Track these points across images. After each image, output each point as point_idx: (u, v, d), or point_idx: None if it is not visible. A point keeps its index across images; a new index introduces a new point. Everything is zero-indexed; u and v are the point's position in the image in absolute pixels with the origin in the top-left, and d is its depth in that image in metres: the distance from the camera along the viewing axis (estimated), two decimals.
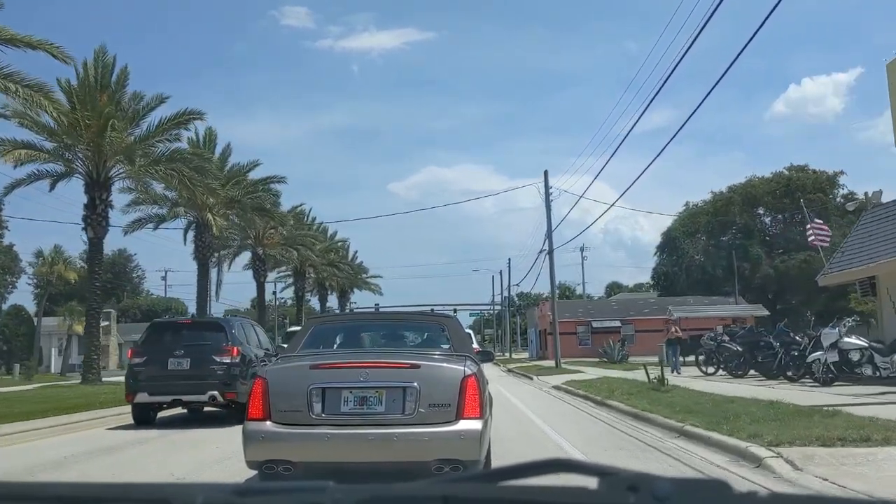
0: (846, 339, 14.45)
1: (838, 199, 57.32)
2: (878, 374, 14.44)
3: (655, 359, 32.28)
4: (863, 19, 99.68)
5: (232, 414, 12.18)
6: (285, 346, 20.62)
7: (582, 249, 75.82)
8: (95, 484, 1.05)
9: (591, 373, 25.21)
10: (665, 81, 15.95)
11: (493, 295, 72.58)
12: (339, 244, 52.60)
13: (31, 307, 52.53)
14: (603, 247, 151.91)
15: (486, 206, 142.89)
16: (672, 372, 21.13)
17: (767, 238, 58.78)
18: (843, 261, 17.97)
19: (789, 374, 16.06)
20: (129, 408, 12.16)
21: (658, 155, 39.53)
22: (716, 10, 11.89)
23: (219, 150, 28.10)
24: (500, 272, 68.20)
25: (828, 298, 53.95)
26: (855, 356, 14.44)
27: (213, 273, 42.97)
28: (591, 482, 0.93)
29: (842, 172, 57.36)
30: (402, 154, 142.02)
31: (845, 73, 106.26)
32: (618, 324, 48.00)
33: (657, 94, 16.70)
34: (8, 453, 9.43)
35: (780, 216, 59.17)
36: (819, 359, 14.60)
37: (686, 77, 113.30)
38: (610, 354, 34.07)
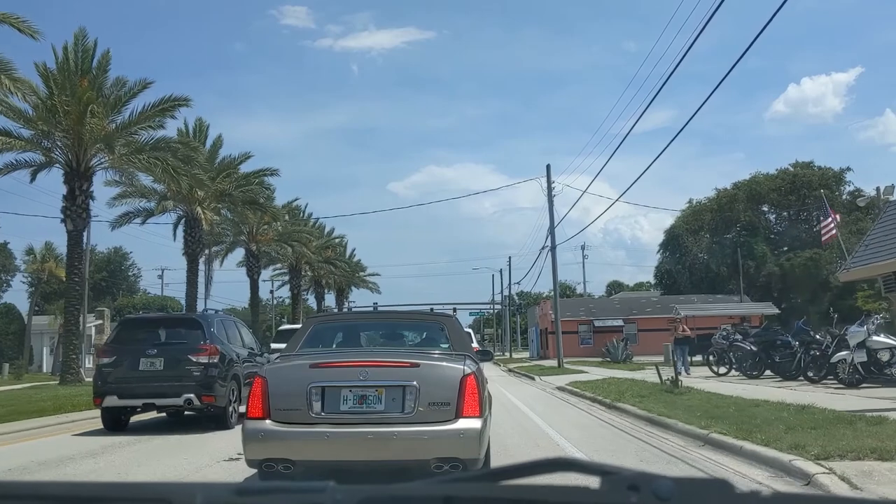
0: (875, 338, 13.44)
1: (844, 196, 56.37)
2: None
3: (660, 358, 31.66)
4: (863, 19, 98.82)
5: (211, 418, 11.22)
6: (277, 344, 19.80)
7: (583, 248, 74.91)
8: (94, 483, 1.07)
9: (596, 373, 24.20)
10: (665, 82, 16.12)
11: (493, 294, 71.75)
12: (337, 241, 51.50)
13: (25, 306, 51.59)
14: (602, 246, 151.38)
15: (485, 207, 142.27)
16: (680, 373, 20.08)
17: (772, 236, 57.80)
18: (866, 255, 16.97)
19: (810, 374, 15.05)
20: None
21: (660, 153, 39.14)
22: (716, 11, 11.78)
23: (211, 143, 27.16)
24: (501, 271, 67.44)
25: (834, 297, 53.17)
26: (885, 356, 13.43)
27: (210, 270, 42.11)
28: (593, 481, 0.93)
29: (848, 169, 56.36)
30: (402, 153, 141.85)
31: (845, 73, 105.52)
32: (620, 323, 47.09)
33: (657, 94, 16.49)
34: None
35: (785, 213, 58.22)
36: (845, 359, 13.60)
37: (686, 77, 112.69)
38: (613, 354, 33.03)
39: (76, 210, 18.25)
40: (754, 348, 18.18)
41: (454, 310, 56.40)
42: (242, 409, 12.30)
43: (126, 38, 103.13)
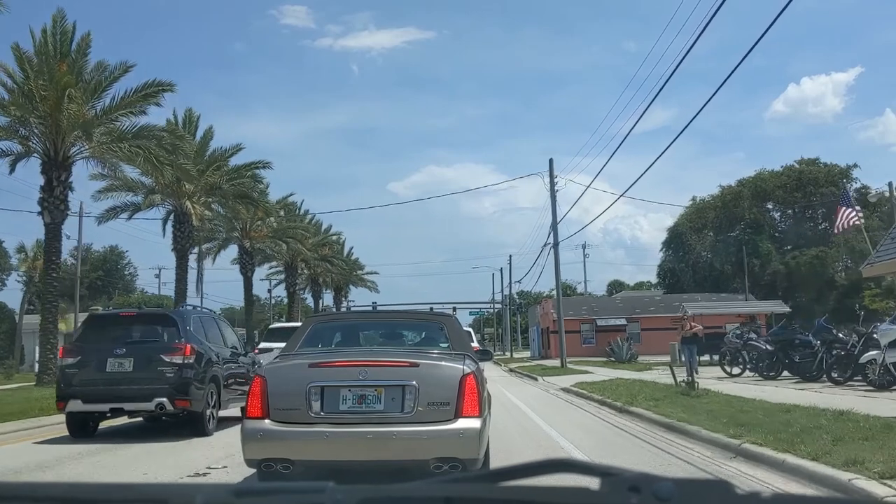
0: None
1: (851, 194, 55.38)
2: None
3: (665, 358, 30.73)
4: (863, 19, 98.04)
5: (186, 424, 10.24)
6: (267, 343, 18.82)
7: (584, 247, 73.79)
8: (93, 484, 1.09)
9: (601, 373, 23.22)
10: (667, 81, 16.35)
11: (494, 293, 70.80)
12: (334, 238, 50.44)
13: (19, 305, 50.65)
14: (602, 246, 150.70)
15: (485, 206, 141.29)
16: (689, 374, 19.06)
17: (776, 234, 56.81)
18: (892, 249, 15.99)
19: (834, 375, 14.05)
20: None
21: (665, 150, 38.36)
22: (717, 12, 11.63)
23: (202, 134, 26.12)
24: (501, 269, 66.47)
25: (840, 295, 52.18)
26: None
27: (203, 267, 41.10)
28: (594, 482, 0.93)
29: (855, 165, 55.37)
30: (402, 153, 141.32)
31: (845, 73, 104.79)
32: (623, 322, 46.13)
33: (658, 94, 16.11)
34: None
35: (790, 211, 57.25)
36: (875, 359, 12.62)
37: (685, 76, 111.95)
38: (618, 354, 32.01)
39: (54, 202, 17.23)
40: (769, 347, 17.21)
41: (454, 309, 55.41)
42: (223, 413, 11.40)
43: (126, 38, 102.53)
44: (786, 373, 16.70)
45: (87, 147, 17.90)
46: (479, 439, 5.34)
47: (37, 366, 44.73)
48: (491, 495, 0.97)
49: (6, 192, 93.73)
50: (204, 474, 7.11)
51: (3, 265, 60.57)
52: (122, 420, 11.33)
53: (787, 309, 32.39)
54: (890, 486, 5.12)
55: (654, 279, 79.83)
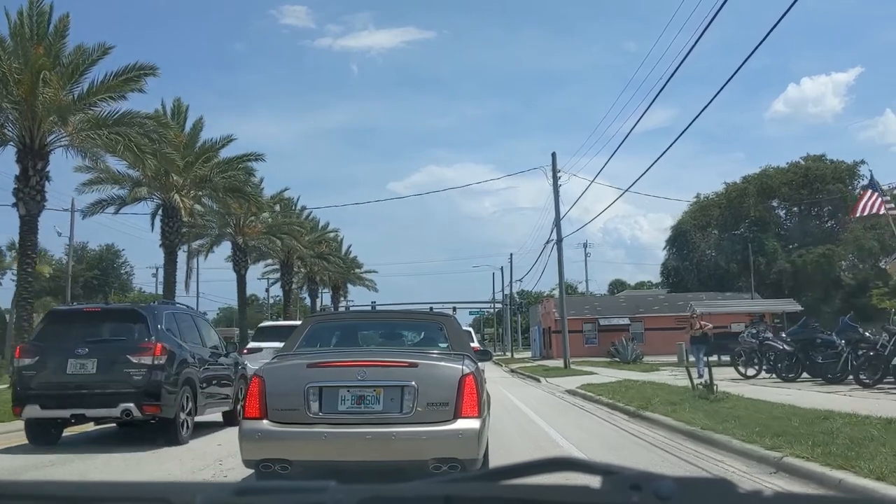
0: None
1: (857, 191, 54.38)
2: None
3: (670, 358, 29.82)
4: (863, 19, 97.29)
5: (159, 430, 9.27)
6: (256, 343, 17.82)
7: (585, 246, 72.75)
8: (95, 483, 1.09)
9: (607, 374, 22.23)
10: (667, 83, 15.57)
11: (494, 293, 69.83)
12: (331, 235, 49.36)
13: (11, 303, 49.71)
14: (602, 246, 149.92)
15: (485, 206, 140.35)
16: (700, 375, 18.09)
17: (781, 231, 55.83)
18: None
19: (862, 377, 13.06)
20: None
21: (667, 150, 37.45)
22: (718, 12, 11.59)
23: (191, 125, 25.12)
24: (502, 268, 65.50)
25: (847, 294, 51.21)
26: None
27: (194, 264, 40.08)
28: (594, 481, 0.93)
29: (862, 162, 54.23)
30: (402, 153, 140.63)
31: (845, 73, 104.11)
32: (626, 321, 45.19)
33: (658, 94, 15.82)
34: None
35: (795, 209, 56.25)
36: None
37: (685, 76, 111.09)
38: (623, 354, 30.99)
39: (30, 192, 16.22)
40: (787, 347, 16.24)
41: (454, 309, 54.47)
42: (200, 418, 10.44)
43: (126, 38, 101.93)
44: (805, 374, 15.73)
45: (64, 134, 16.88)
46: (479, 440, 5.29)
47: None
48: (491, 494, 0.98)
49: None
50: None
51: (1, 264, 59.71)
52: (93, 426, 10.39)
53: (798, 307, 31.37)
54: None
55: (654, 279, 79.00)
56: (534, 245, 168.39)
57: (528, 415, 12.45)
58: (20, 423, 10.48)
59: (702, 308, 28.00)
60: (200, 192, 25.05)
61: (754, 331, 18.28)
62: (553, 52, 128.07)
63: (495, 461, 5.76)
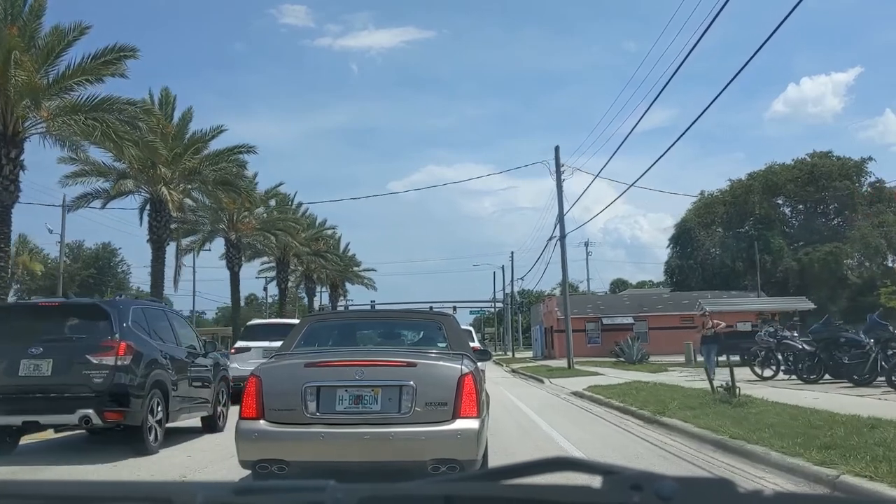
0: None
1: (865, 188, 53.46)
2: None
3: (678, 358, 28.86)
4: (862, 19, 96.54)
5: (124, 439, 8.32)
6: (244, 342, 16.84)
7: (586, 244, 71.76)
8: (96, 482, 1.16)
9: (613, 375, 21.28)
10: (667, 83, 15.39)
11: (495, 291, 68.89)
12: (329, 232, 48.37)
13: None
14: (602, 245, 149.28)
15: (485, 206, 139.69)
16: (711, 376, 17.12)
17: (786, 229, 54.85)
18: None
19: (895, 379, 12.11)
20: None
21: (669, 149, 36.68)
22: (719, 13, 11.62)
23: (180, 115, 24.13)
24: (503, 267, 64.56)
25: (853, 293, 50.25)
26: None
27: (189, 261, 39.09)
28: (595, 481, 0.93)
29: (870, 158, 53.33)
30: (402, 153, 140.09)
31: (844, 73, 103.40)
32: (630, 320, 44.19)
33: (659, 95, 15.75)
34: None
35: (801, 206, 55.27)
36: None
37: (684, 76, 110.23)
38: (628, 354, 29.98)
39: (3, 182, 15.21)
40: (807, 347, 15.29)
41: (454, 308, 53.58)
42: (174, 424, 9.48)
43: (126, 39, 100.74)
44: (827, 376, 14.77)
45: (40, 120, 15.87)
46: (478, 440, 5.24)
47: None
48: (492, 494, 0.98)
49: None
50: None
51: None
52: (54, 434, 9.43)
53: (811, 305, 30.39)
54: None
55: (655, 279, 78.13)
56: (534, 245, 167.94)
57: (533, 419, 11.51)
58: None
59: (710, 307, 27.07)
60: (190, 186, 24.06)
61: (771, 329, 17.30)
62: (553, 52, 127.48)
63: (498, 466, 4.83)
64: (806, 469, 5.95)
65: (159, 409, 8.60)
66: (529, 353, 55.21)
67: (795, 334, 16.82)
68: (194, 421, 10.40)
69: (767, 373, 16.65)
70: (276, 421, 5.27)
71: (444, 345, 6.26)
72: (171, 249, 28.17)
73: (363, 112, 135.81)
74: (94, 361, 7.86)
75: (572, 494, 0.93)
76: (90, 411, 7.76)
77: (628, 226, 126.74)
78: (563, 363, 28.65)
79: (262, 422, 5.27)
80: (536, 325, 54.28)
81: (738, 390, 10.88)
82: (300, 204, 41.06)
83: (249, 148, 24.62)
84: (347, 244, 56.42)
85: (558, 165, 28.71)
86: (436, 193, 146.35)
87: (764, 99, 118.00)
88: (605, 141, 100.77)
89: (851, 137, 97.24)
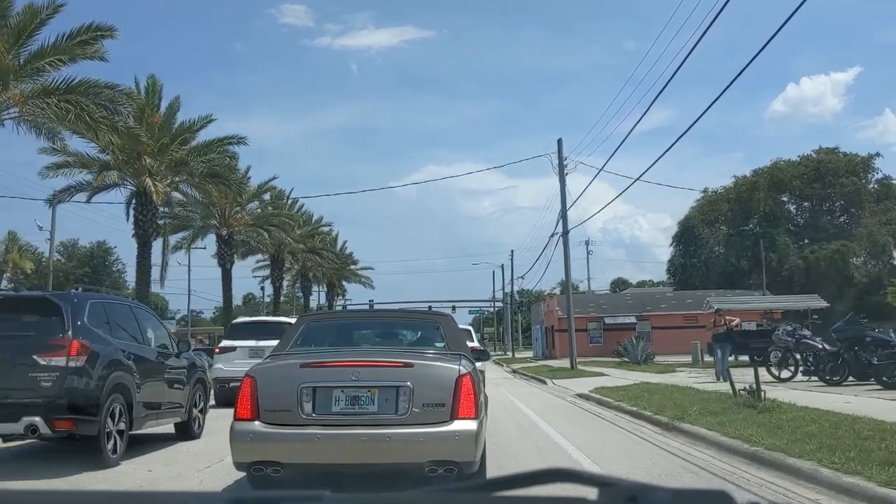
0: None
1: (872, 185, 52.52)
2: None
3: (684, 358, 27.95)
4: (862, 19, 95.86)
5: (83, 449, 7.38)
6: (228, 341, 15.86)
7: (587, 243, 70.83)
8: (91, 492, 1.06)
9: (618, 376, 20.38)
10: (667, 84, 15.42)
11: (494, 291, 67.97)
12: (325, 229, 47.37)
13: None
14: (602, 245, 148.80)
15: (485, 206, 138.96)
16: (719, 378, 16.24)
17: (792, 227, 53.91)
18: None
19: None
20: None
21: (668, 149, 35.97)
22: (718, 14, 11.65)
23: (167, 105, 23.16)
24: (502, 266, 63.64)
25: (860, 292, 49.30)
26: None
27: (181, 258, 38.14)
28: (591, 492, 0.91)
29: (878, 154, 52.39)
30: (402, 153, 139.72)
31: (844, 73, 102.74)
32: (633, 320, 43.36)
33: (659, 95, 15.61)
34: None
35: (806, 203, 54.32)
36: None
37: (684, 76, 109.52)
38: (632, 354, 29.02)
39: None
40: (828, 347, 14.36)
41: (453, 308, 52.68)
42: (141, 431, 8.55)
43: (126, 38, 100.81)
44: (850, 377, 13.83)
45: (11, 102, 14.86)
46: (476, 441, 5.17)
47: None
48: None
49: None
50: None
51: None
52: (10, 443, 8.47)
53: (823, 304, 29.44)
54: None
55: (655, 278, 77.23)
56: (533, 244, 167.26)
57: (538, 424, 10.57)
58: None
59: (719, 305, 26.12)
60: (178, 178, 23.09)
61: (790, 328, 16.34)
62: (553, 52, 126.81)
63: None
64: (870, 491, 5.02)
65: (121, 415, 7.65)
66: (529, 353, 54.30)
67: (809, 333, 15.90)
68: (168, 427, 9.47)
69: (785, 374, 15.71)
70: (271, 422, 5.18)
71: (441, 345, 6.18)
72: (160, 246, 27.29)
73: (363, 112, 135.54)
74: (42, 363, 6.90)
75: None
76: (37, 419, 6.80)
77: (628, 226, 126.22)
78: (565, 363, 27.75)
79: (256, 423, 5.17)
80: (537, 325, 53.37)
81: (763, 394, 9.95)
82: (296, 200, 40.16)
83: (240, 139, 23.68)
84: (345, 242, 55.55)
85: (561, 158, 27.79)
86: (436, 193, 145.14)
87: (764, 99, 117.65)
88: (603, 140, 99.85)
89: (851, 137, 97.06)
